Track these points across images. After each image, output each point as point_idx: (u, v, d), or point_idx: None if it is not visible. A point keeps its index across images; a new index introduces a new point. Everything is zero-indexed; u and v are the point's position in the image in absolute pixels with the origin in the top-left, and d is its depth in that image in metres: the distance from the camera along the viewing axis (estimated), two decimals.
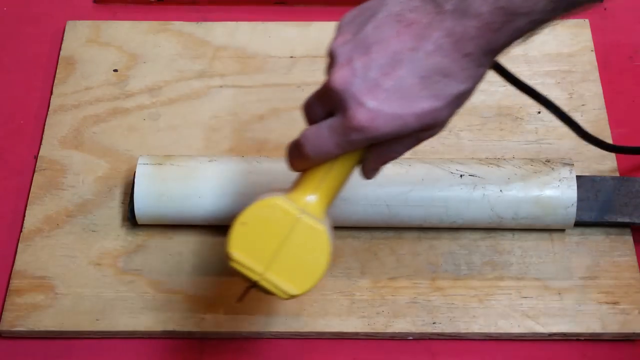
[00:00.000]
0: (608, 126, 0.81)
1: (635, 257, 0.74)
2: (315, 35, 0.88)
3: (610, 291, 0.72)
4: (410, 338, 0.71)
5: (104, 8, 0.92)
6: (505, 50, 0.54)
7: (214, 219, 0.74)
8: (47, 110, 0.83)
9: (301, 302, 0.72)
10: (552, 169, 0.73)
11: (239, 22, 0.89)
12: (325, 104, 0.56)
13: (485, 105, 0.83)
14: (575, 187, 0.72)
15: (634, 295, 0.72)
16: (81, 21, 0.89)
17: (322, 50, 0.88)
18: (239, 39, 0.88)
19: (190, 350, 0.71)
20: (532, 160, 0.74)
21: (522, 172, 0.73)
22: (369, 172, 0.59)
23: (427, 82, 0.52)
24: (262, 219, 0.58)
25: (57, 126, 0.82)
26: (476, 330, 0.71)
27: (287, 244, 0.58)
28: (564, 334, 0.71)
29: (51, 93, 0.84)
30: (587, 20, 0.87)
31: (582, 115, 0.82)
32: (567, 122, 0.72)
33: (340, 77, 0.53)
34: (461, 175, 0.72)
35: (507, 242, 0.75)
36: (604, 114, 0.82)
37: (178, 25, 0.89)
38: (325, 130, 0.55)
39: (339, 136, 0.55)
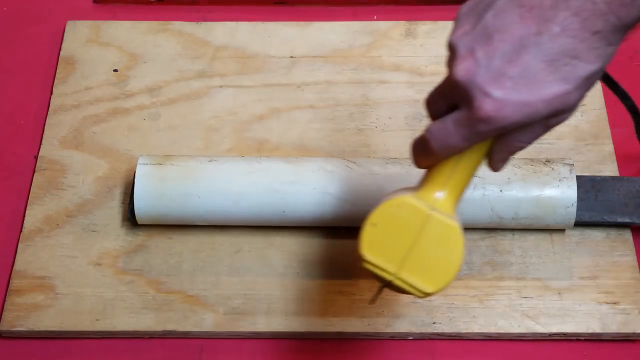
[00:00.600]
0: (608, 126, 0.81)
1: (635, 257, 0.74)
2: (315, 35, 0.88)
3: (610, 291, 0.72)
4: (410, 338, 0.71)
5: (104, 8, 0.92)
6: (636, 26, 0.52)
7: (214, 219, 0.74)
8: (47, 110, 0.83)
9: (301, 302, 0.72)
10: (552, 169, 0.73)
11: (239, 22, 0.89)
12: (448, 98, 0.55)
13: None
14: (575, 187, 0.72)
15: (634, 295, 0.72)
16: (81, 21, 0.89)
17: (322, 50, 0.89)
18: (239, 39, 0.88)
19: (190, 350, 0.71)
20: (532, 160, 0.74)
21: (522, 172, 0.73)
22: (497, 164, 0.58)
23: (554, 66, 0.51)
24: (392, 219, 0.58)
25: (57, 126, 0.82)
26: (476, 330, 0.71)
27: (419, 242, 0.57)
28: (564, 334, 0.71)
29: (51, 93, 0.84)
30: None
31: (582, 115, 0.82)
32: None
33: (463, 69, 0.52)
34: None
35: (507, 242, 0.75)
36: (604, 114, 0.82)
37: (178, 25, 0.89)
38: (450, 124, 0.54)
39: (465, 129, 0.54)
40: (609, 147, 0.80)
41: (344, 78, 0.85)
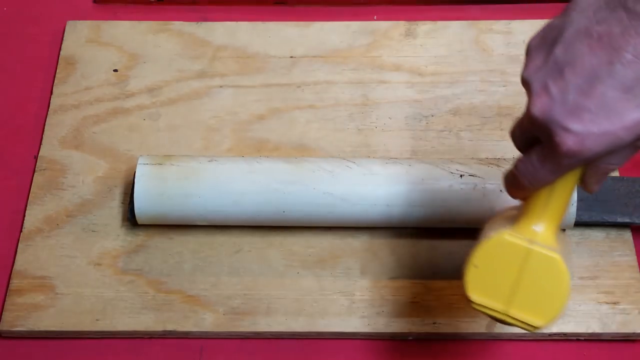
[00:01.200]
0: None
1: (635, 257, 0.74)
2: (315, 35, 0.88)
3: (610, 291, 0.72)
4: (410, 338, 0.71)
5: (104, 8, 0.92)
6: None
7: (214, 219, 0.74)
8: (47, 110, 0.83)
9: (301, 302, 0.72)
10: None
11: (239, 22, 0.89)
12: (530, 132, 0.55)
13: (485, 105, 0.83)
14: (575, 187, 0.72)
15: (634, 295, 0.72)
16: (81, 21, 0.89)
17: (322, 50, 0.89)
18: (239, 39, 0.88)
19: (190, 350, 0.71)
20: None
21: None
22: (591, 187, 0.58)
23: (632, 93, 0.51)
24: (493, 258, 0.58)
25: (57, 126, 0.82)
26: (476, 330, 0.71)
27: (523, 277, 0.58)
28: (564, 334, 0.71)
29: (51, 93, 0.84)
30: None
31: None
32: None
33: (540, 106, 0.52)
34: (461, 175, 0.72)
35: None
36: None
37: (178, 25, 0.89)
38: (536, 160, 0.55)
39: (550, 164, 0.54)
40: None
41: (343, 78, 0.85)
